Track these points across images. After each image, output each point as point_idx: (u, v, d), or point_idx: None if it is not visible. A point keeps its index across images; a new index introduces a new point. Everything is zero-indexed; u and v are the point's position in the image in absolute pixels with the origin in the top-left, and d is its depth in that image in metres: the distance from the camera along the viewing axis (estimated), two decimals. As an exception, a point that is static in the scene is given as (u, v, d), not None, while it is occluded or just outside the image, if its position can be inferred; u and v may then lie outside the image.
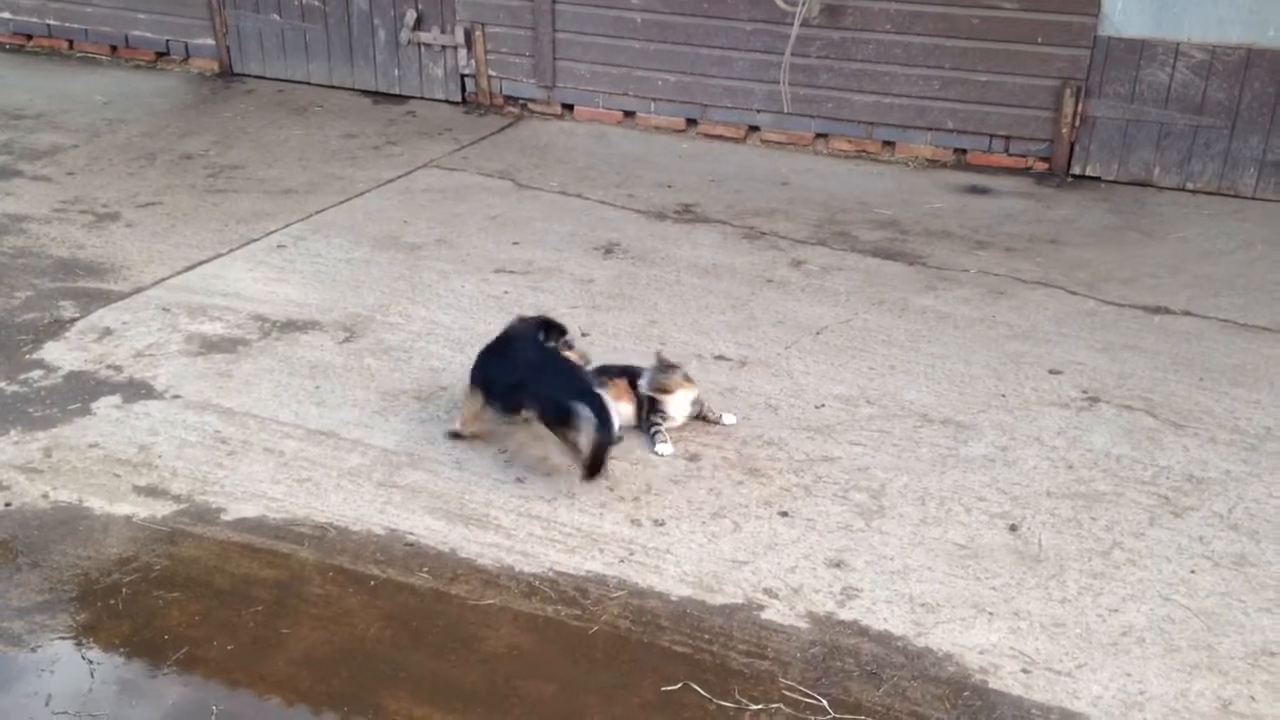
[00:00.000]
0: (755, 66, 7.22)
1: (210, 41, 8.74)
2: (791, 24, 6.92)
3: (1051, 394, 4.48)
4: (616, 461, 4.00)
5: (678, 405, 4.14)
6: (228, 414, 4.29)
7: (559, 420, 3.76)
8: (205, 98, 8.34)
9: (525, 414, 3.87)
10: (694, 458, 4.04)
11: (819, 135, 7.32)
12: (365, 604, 3.34)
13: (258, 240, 5.87)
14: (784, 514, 3.74)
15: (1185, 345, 4.88)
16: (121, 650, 3.16)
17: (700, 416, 4.22)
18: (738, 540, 3.61)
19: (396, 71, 8.23)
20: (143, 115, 7.89)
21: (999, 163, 6.96)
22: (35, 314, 5.05)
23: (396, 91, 8.28)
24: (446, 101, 8.15)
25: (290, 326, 4.96)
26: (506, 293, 5.27)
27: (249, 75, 8.72)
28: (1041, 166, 6.87)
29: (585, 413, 3.70)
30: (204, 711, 2.97)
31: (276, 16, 8.43)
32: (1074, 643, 3.20)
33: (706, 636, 3.22)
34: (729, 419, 4.24)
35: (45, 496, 3.81)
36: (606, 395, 3.87)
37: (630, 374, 4.23)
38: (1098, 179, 6.77)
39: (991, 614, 3.31)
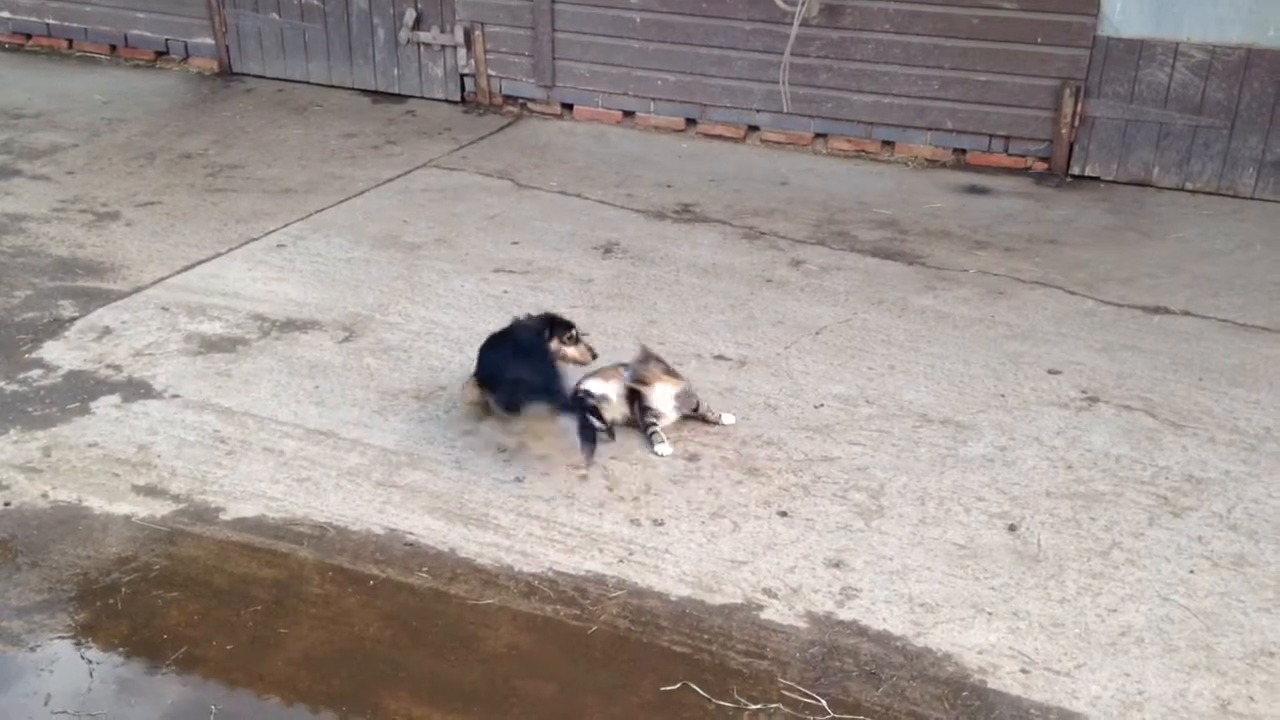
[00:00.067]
0: (755, 66, 7.22)
1: (210, 41, 8.74)
2: (791, 24, 6.92)
3: (1051, 394, 4.49)
4: (616, 461, 4.01)
5: (661, 399, 4.12)
6: (227, 413, 4.29)
7: (509, 410, 3.88)
8: (204, 97, 8.34)
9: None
10: (693, 457, 4.04)
11: (818, 135, 7.32)
12: (364, 604, 3.34)
13: (257, 240, 5.87)
14: (783, 514, 3.74)
15: (1184, 345, 4.88)
16: (120, 650, 3.16)
17: (698, 415, 4.22)
18: (737, 540, 3.61)
19: (396, 71, 8.23)
20: (142, 114, 7.89)
21: (998, 163, 6.96)
22: (35, 313, 5.05)
23: (396, 91, 8.28)
24: (446, 101, 8.15)
25: (289, 326, 4.96)
26: (506, 292, 5.27)
27: (248, 74, 8.72)
28: (1041, 166, 6.87)
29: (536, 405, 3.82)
30: (203, 711, 2.97)
31: (276, 16, 8.43)
32: (1073, 643, 3.20)
33: (705, 636, 3.22)
34: (728, 419, 4.24)
35: (44, 496, 3.81)
36: (580, 386, 3.97)
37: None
38: (1097, 179, 6.77)
39: (990, 614, 3.31)
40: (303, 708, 2.99)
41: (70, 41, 9.29)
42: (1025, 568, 3.50)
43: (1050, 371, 4.65)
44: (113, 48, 9.16)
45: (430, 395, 4.40)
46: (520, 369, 3.95)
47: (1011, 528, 3.69)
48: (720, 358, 4.74)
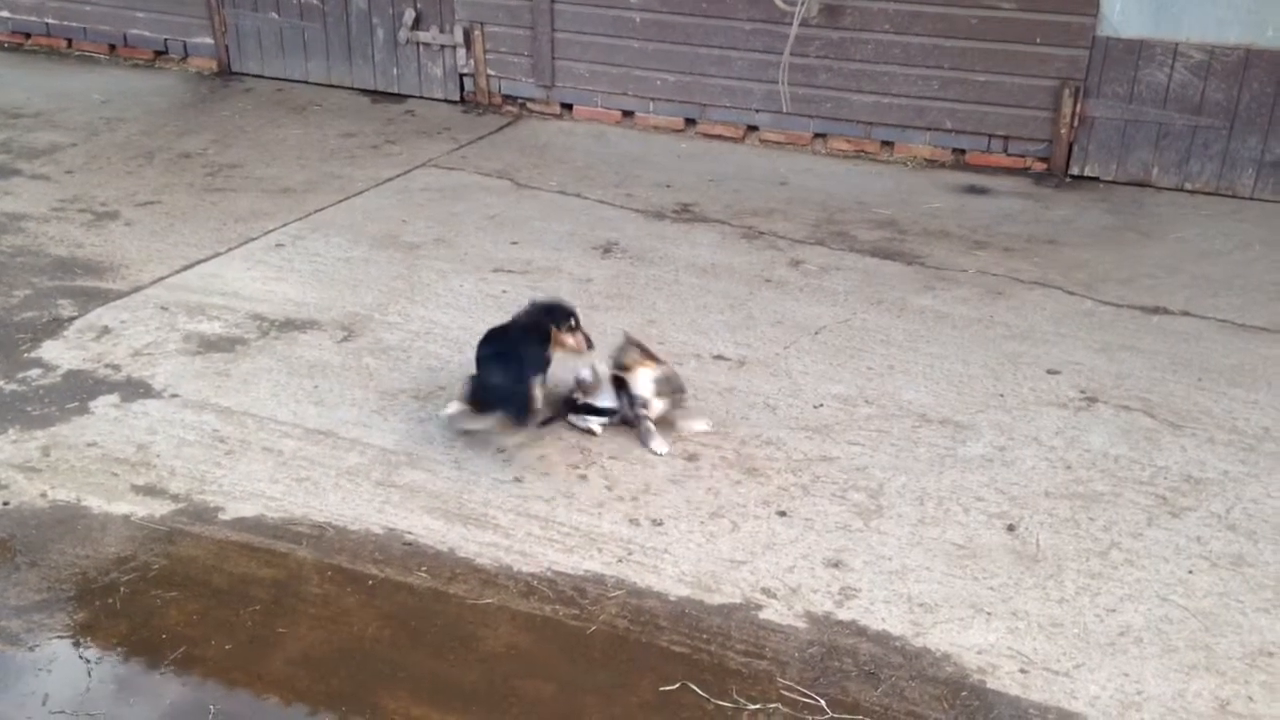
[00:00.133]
0: (754, 66, 7.22)
1: (209, 40, 8.73)
2: (790, 24, 6.92)
3: (1049, 394, 4.49)
4: (615, 461, 4.01)
5: (642, 384, 4.11)
6: (226, 413, 4.29)
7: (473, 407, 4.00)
8: (204, 96, 8.33)
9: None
10: (692, 457, 4.05)
11: (817, 135, 7.32)
12: (363, 603, 3.34)
13: (256, 239, 5.87)
14: (782, 514, 3.74)
15: (1183, 345, 4.88)
16: (119, 649, 3.16)
17: (675, 398, 4.17)
18: (736, 540, 3.61)
19: (395, 71, 8.23)
20: (141, 114, 7.89)
21: (997, 163, 6.96)
22: (34, 313, 5.05)
23: (395, 91, 8.28)
24: (445, 101, 8.15)
25: (289, 326, 4.96)
26: (505, 292, 5.26)
27: (247, 74, 8.71)
28: (1040, 167, 6.87)
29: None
30: (201, 711, 2.97)
31: (275, 15, 8.42)
32: (1072, 643, 3.20)
33: (705, 636, 3.22)
34: (698, 426, 4.18)
35: (43, 495, 3.80)
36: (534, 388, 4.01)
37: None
38: (1096, 179, 6.77)
39: (989, 614, 3.31)
40: (301, 707, 2.99)
41: (69, 41, 9.29)
42: (1024, 568, 3.50)
43: (1049, 372, 4.65)
44: (112, 47, 9.15)
45: (429, 395, 4.40)
46: (493, 372, 4.01)
47: (1010, 528, 3.69)
48: (719, 358, 4.74)
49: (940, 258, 5.76)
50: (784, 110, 7.21)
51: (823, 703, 3.00)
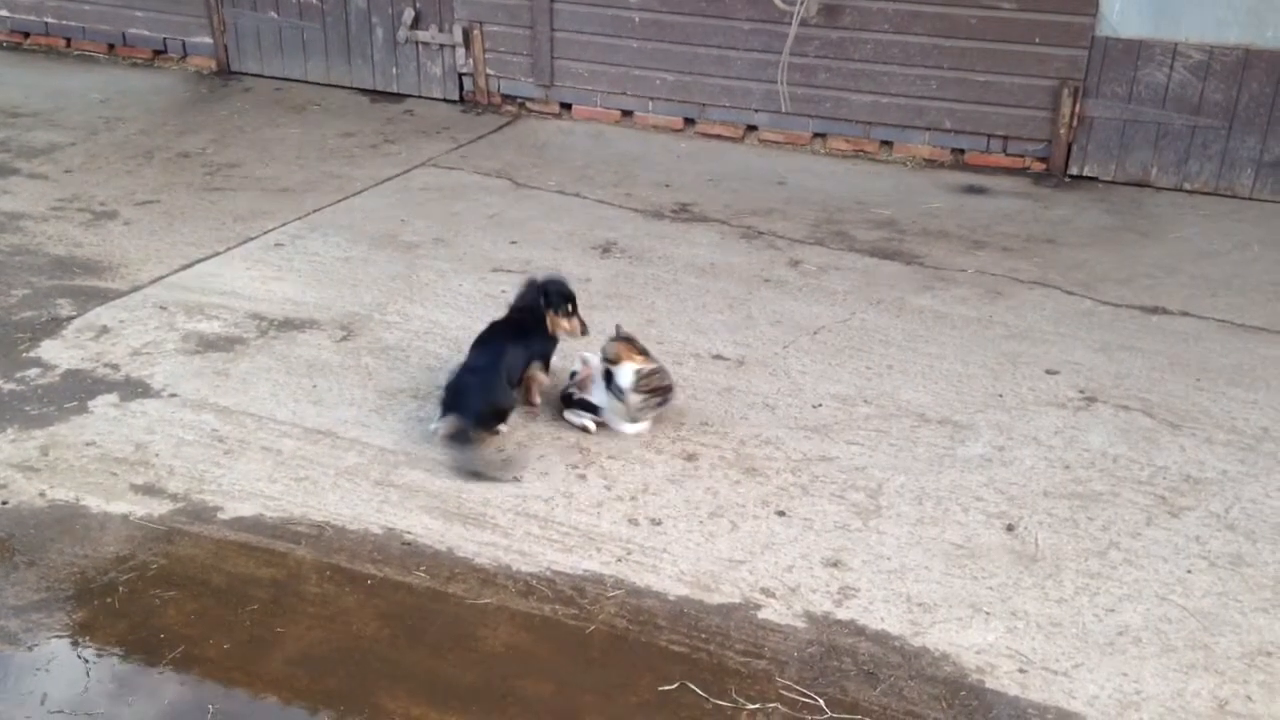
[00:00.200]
0: (753, 66, 7.22)
1: (208, 39, 8.73)
2: (789, 23, 6.92)
3: (1048, 394, 4.49)
4: (614, 460, 4.01)
5: (624, 377, 4.11)
6: (225, 412, 4.29)
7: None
8: (203, 96, 8.33)
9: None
10: (691, 457, 4.04)
11: (817, 135, 7.32)
12: (362, 603, 3.34)
13: (255, 239, 5.87)
14: (781, 513, 3.74)
15: (1182, 345, 4.88)
16: (118, 649, 3.16)
17: (656, 392, 4.16)
18: (735, 539, 3.61)
19: (394, 70, 8.23)
20: (140, 113, 7.88)
21: (997, 163, 6.96)
22: (32, 312, 5.04)
23: (394, 90, 8.28)
24: (444, 100, 8.15)
25: (288, 325, 4.96)
26: (504, 292, 5.25)
27: (246, 73, 8.71)
28: (1039, 166, 6.87)
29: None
30: (200, 710, 2.97)
31: (274, 15, 8.42)
32: (1071, 642, 3.21)
33: (704, 636, 3.22)
34: (630, 429, 4.17)
35: (42, 495, 3.80)
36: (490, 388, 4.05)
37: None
38: (1095, 179, 6.78)
39: (988, 614, 3.31)
40: (300, 707, 2.98)
41: (68, 40, 9.28)
42: (1023, 567, 3.50)
43: (1048, 371, 4.65)
44: (111, 46, 9.15)
45: (428, 395, 4.40)
46: (469, 378, 4.05)
47: (1009, 527, 3.69)
48: (718, 357, 4.74)
49: (939, 258, 5.76)
50: (783, 110, 7.21)
51: (821, 702, 3.00)
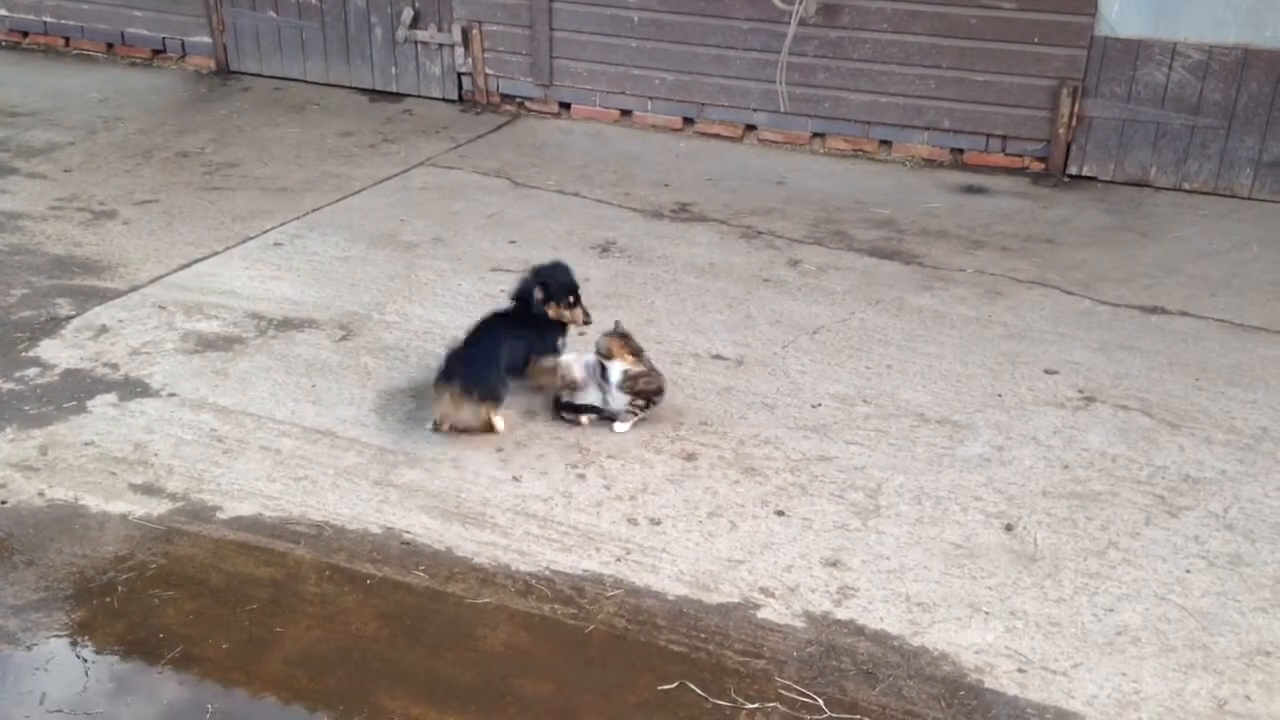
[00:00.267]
0: (752, 65, 7.22)
1: (207, 39, 8.72)
2: (788, 23, 6.92)
3: (1047, 394, 4.49)
4: (613, 460, 4.01)
5: (613, 373, 4.13)
6: (224, 412, 4.28)
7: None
8: (202, 95, 8.33)
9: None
10: (690, 457, 4.04)
11: (816, 134, 7.32)
12: (361, 602, 3.34)
13: (254, 238, 5.87)
14: (780, 513, 3.74)
15: (1181, 345, 4.88)
16: (117, 648, 3.16)
17: (651, 404, 4.18)
18: (734, 539, 3.61)
19: (393, 70, 8.22)
20: (139, 113, 7.88)
21: (996, 162, 6.96)
22: (31, 311, 5.04)
23: (393, 89, 8.28)
24: (443, 100, 8.14)
25: (287, 325, 4.96)
26: (503, 291, 5.23)
27: (245, 73, 8.71)
28: (1038, 166, 6.87)
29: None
30: (199, 710, 2.97)
31: (273, 14, 8.42)
32: (1069, 642, 3.21)
33: (703, 635, 3.22)
34: (621, 428, 4.18)
35: (41, 494, 3.80)
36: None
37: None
38: (1094, 179, 6.78)
39: (987, 613, 3.31)
40: (299, 706, 2.98)
41: (67, 39, 9.28)
42: (1022, 567, 3.50)
43: (1047, 371, 4.65)
44: (110, 45, 9.14)
45: (427, 394, 4.39)
46: (469, 355, 4.12)
47: (1008, 527, 3.69)
48: (718, 357, 4.74)
49: (938, 257, 5.76)
50: (782, 110, 7.21)
51: (821, 702, 3.00)
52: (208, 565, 3.48)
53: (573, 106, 7.84)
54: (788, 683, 3.06)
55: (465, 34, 7.88)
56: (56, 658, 3.13)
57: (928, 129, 7.01)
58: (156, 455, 4.02)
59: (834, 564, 3.51)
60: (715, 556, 3.53)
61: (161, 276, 5.40)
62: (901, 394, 4.47)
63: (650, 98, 7.59)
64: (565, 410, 4.23)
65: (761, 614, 3.31)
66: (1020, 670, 3.11)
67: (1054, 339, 4.92)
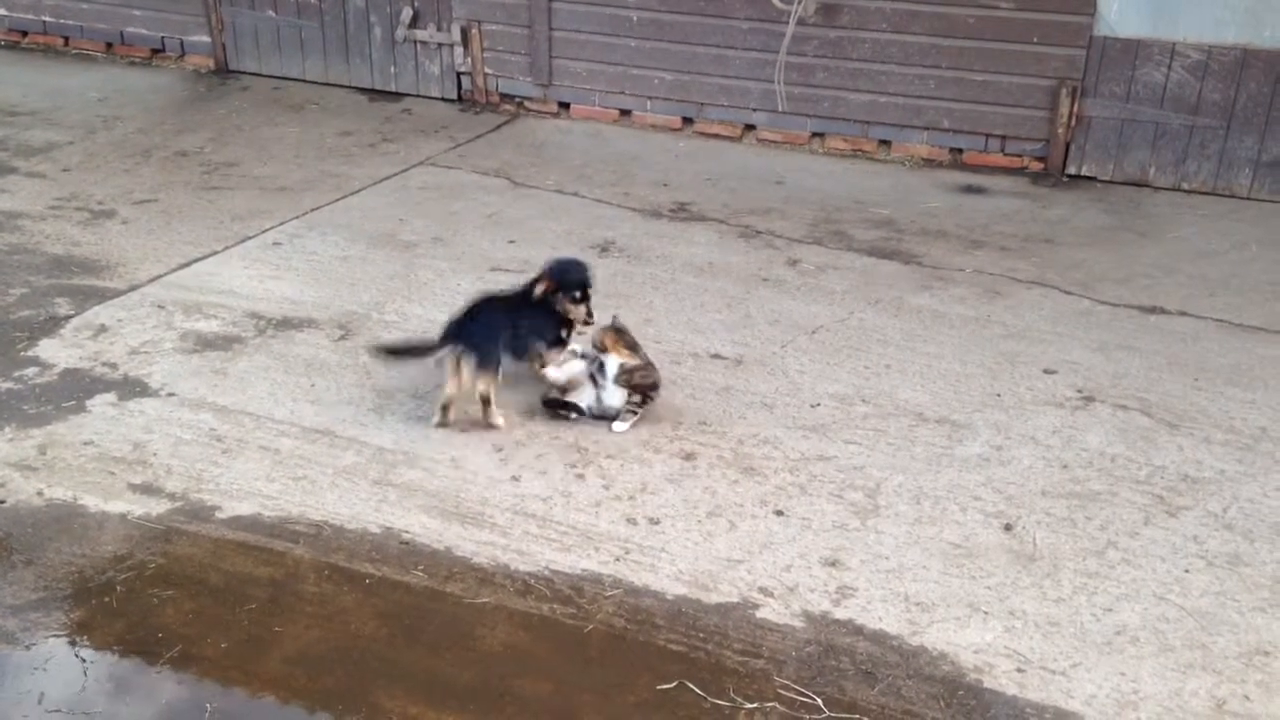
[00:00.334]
0: (751, 65, 7.22)
1: (206, 38, 8.72)
2: (787, 23, 6.91)
3: (1046, 393, 4.49)
4: (612, 460, 4.01)
5: (609, 367, 4.13)
6: (223, 412, 4.28)
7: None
8: (201, 95, 8.32)
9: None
10: (689, 456, 4.04)
11: (815, 134, 7.32)
12: (360, 602, 3.34)
13: (253, 237, 5.86)
14: (779, 513, 3.74)
15: (1180, 345, 4.89)
16: (115, 648, 3.16)
17: (645, 400, 4.18)
18: (733, 539, 3.61)
19: (393, 69, 8.22)
20: (138, 112, 7.88)
21: (995, 162, 6.96)
22: (30, 311, 5.04)
23: (392, 89, 8.28)
24: (442, 99, 8.14)
25: (286, 324, 4.96)
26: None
27: (245, 72, 8.71)
28: (1037, 166, 6.88)
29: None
30: (198, 709, 2.96)
31: (272, 13, 8.42)
32: (1068, 642, 3.21)
33: (702, 635, 3.22)
34: (619, 427, 4.18)
35: (40, 494, 3.80)
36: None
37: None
38: (1093, 179, 6.78)
39: (986, 613, 3.31)
40: (298, 706, 2.98)
41: (66, 39, 9.28)
42: (1021, 567, 3.50)
43: (1046, 371, 4.65)
44: (109, 45, 9.14)
45: (427, 394, 4.39)
46: (469, 325, 4.14)
47: (1007, 527, 3.69)
48: (717, 356, 4.74)
49: (937, 257, 5.76)
50: (780, 109, 7.21)
51: (820, 701, 3.00)
52: (206, 565, 3.48)
53: (572, 106, 7.84)
54: (786, 682, 3.06)
55: (464, 33, 7.88)
56: (55, 657, 3.13)
57: (927, 129, 7.01)
58: (155, 455, 4.02)
59: (833, 564, 3.51)
60: (714, 556, 3.53)
61: (160, 276, 5.40)
62: (900, 394, 4.47)
63: (649, 97, 7.59)
64: (550, 405, 4.23)
65: (760, 614, 3.31)
66: (1019, 670, 3.11)
67: (1053, 339, 4.92)
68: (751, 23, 7.13)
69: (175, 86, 8.50)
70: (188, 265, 5.53)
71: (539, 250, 5.72)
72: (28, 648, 3.16)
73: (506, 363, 4.17)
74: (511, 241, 5.85)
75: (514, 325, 4.21)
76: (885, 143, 7.17)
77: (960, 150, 7.02)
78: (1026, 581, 3.44)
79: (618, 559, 3.52)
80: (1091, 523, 3.71)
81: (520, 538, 3.61)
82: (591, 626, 3.25)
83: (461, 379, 4.06)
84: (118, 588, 3.38)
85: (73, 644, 3.18)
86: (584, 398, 4.20)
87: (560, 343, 4.36)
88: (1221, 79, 6.33)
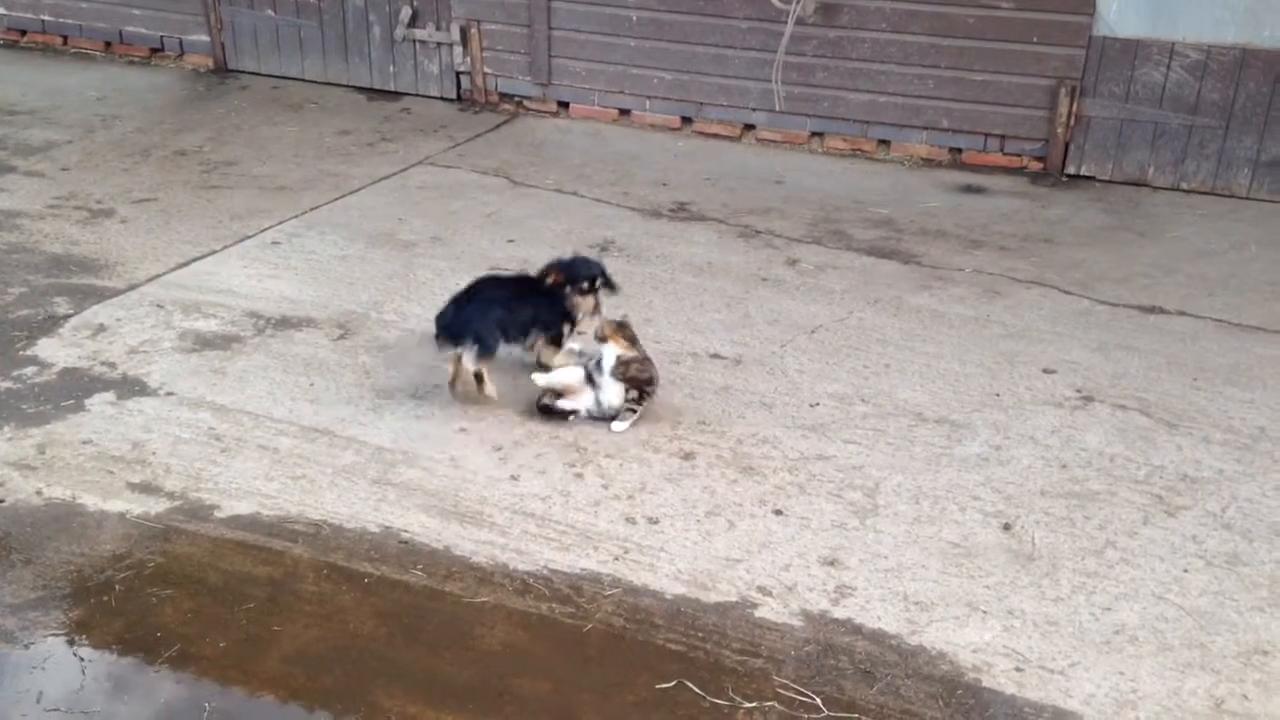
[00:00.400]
0: (751, 65, 7.22)
1: (205, 38, 8.72)
2: (786, 22, 6.91)
3: (1045, 393, 4.49)
4: (611, 459, 4.01)
5: (606, 358, 4.14)
6: (221, 411, 4.28)
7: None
8: (200, 94, 8.32)
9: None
10: (688, 456, 4.04)
11: (814, 134, 7.32)
12: (359, 601, 3.34)
13: (252, 237, 5.86)
14: (778, 512, 3.74)
15: (1179, 345, 4.89)
16: (114, 647, 3.16)
17: (643, 395, 4.17)
18: (732, 538, 3.61)
19: (392, 68, 8.22)
20: (137, 111, 7.87)
21: (994, 162, 6.96)
22: (29, 310, 5.04)
23: (391, 88, 8.27)
24: (441, 99, 8.14)
25: (285, 323, 4.96)
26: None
27: (244, 71, 8.70)
28: (1036, 166, 6.88)
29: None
30: (197, 709, 2.96)
31: (271, 12, 8.41)
32: (1067, 641, 3.21)
33: (701, 634, 3.22)
34: (618, 426, 4.18)
35: (39, 493, 3.80)
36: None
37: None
38: (1092, 179, 6.78)
39: (985, 612, 3.31)
40: (297, 705, 2.98)
41: (65, 38, 9.27)
42: (1020, 566, 3.51)
43: (1045, 371, 4.65)
44: (108, 44, 9.14)
45: (426, 394, 4.40)
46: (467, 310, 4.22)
47: (1006, 526, 3.69)
48: (716, 356, 4.74)
49: (937, 257, 5.76)
50: (777, 109, 7.21)
51: (819, 701, 3.00)
52: (205, 564, 3.48)
53: (571, 105, 7.84)
54: (785, 681, 3.06)
55: (464, 33, 7.88)
56: (54, 656, 3.13)
57: (926, 128, 7.01)
58: (154, 454, 4.02)
59: (832, 563, 3.51)
60: (713, 555, 3.53)
61: (159, 275, 5.40)
62: (900, 393, 4.47)
63: (649, 97, 7.59)
64: (545, 411, 4.23)
65: (759, 613, 3.31)
66: (1018, 669, 3.11)
67: (1052, 338, 4.92)
68: (751, 22, 7.13)
69: (174, 86, 8.50)
70: (186, 264, 5.53)
71: (538, 249, 5.72)
72: (26, 646, 3.16)
73: (503, 346, 4.25)
74: (511, 241, 5.85)
75: (512, 309, 4.26)
76: (884, 142, 7.16)
77: (959, 150, 7.02)
78: (1025, 581, 3.44)
79: (616, 558, 3.52)
80: (1090, 522, 3.71)
81: (519, 537, 3.61)
82: (590, 626, 3.25)
83: (459, 366, 4.21)
84: (116, 587, 3.38)
85: (71, 643, 3.18)
86: (582, 402, 4.19)
87: (557, 341, 4.38)
88: (1221, 79, 6.33)
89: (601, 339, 4.18)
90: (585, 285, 4.32)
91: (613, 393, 4.15)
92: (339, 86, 8.39)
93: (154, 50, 9.01)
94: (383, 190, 6.56)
